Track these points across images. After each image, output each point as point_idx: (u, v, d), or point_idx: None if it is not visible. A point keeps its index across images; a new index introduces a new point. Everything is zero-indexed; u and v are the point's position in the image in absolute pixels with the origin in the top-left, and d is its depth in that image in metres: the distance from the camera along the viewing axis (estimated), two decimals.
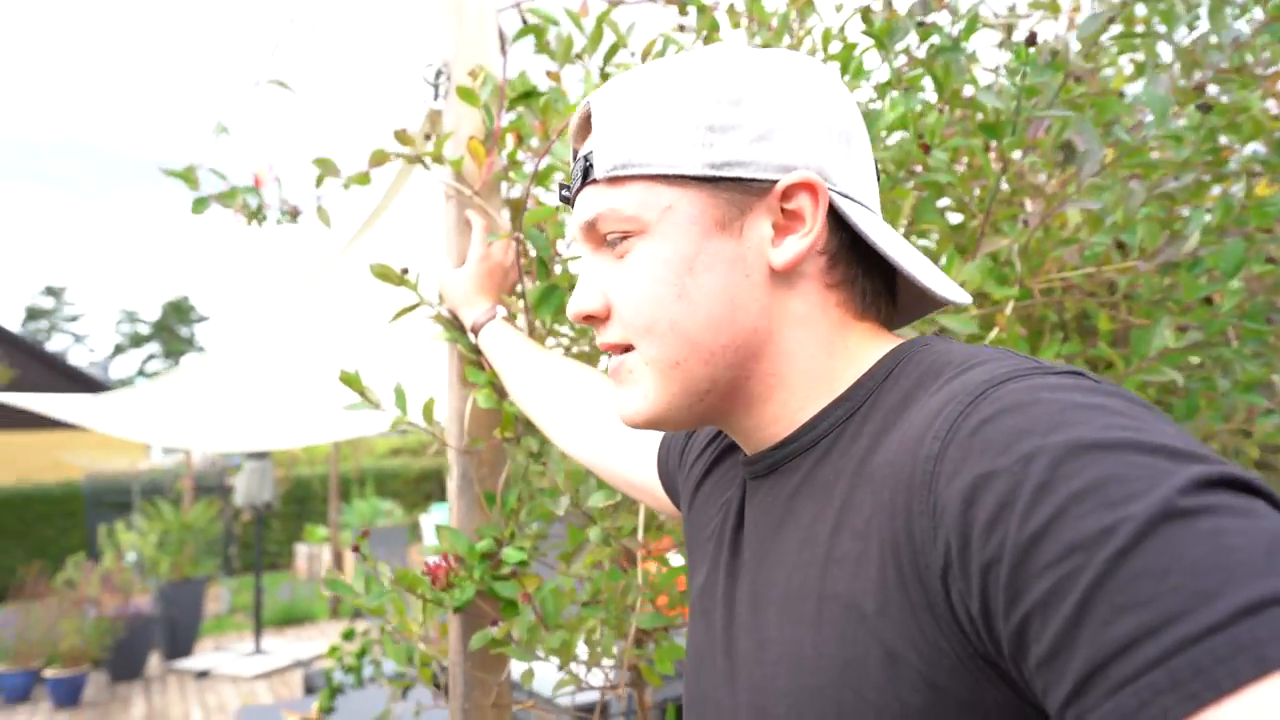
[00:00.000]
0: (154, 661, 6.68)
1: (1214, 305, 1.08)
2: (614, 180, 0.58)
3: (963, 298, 0.59)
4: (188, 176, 1.20)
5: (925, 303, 0.65)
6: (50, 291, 41.17)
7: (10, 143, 70.08)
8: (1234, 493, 0.36)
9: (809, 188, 0.56)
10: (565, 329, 1.35)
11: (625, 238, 0.59)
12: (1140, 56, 1.34)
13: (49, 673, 5.68)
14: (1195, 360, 1.23)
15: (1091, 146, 1.10)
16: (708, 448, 0.76)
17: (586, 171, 0.60)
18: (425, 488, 12.72)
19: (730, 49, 0.60)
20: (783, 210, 0.57)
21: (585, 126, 0.64)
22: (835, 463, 0.55)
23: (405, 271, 1.21)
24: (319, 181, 1.32)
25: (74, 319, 41.37)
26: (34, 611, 5.88)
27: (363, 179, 1.32)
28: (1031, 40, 0.99)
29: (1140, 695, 0.33)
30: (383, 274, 1.20)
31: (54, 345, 40.14)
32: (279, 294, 3.09)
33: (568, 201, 0.64)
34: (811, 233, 0.57)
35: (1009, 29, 1.38)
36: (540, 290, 1.16)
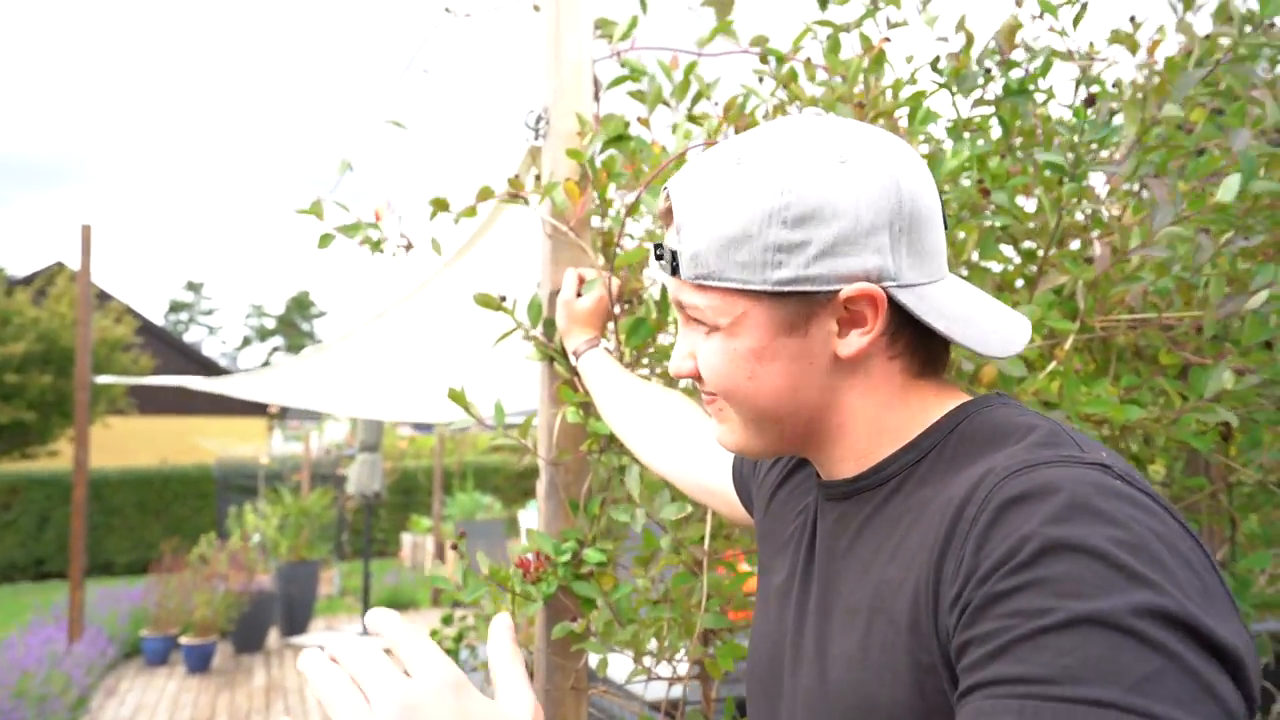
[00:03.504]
0: (273, 636, 7.21)
1: (1273, 350, 1.10)
2: (696, 285, 0.67)
3: (1006, 352, 0.67)
4: (315, 210, 1.38)
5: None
6: (190, 286, 44.44)
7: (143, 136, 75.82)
8: (1153, 623, 0.48)
9: (868, 296, 0.64)
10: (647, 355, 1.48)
11: (707, 323, 0.69)
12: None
13: (184, 640, 6.23)
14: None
15: (1163, 198, 1.12)
16: (782, 457, 0.87)
17: (674, 266, 0.69)
18: (525, 484, 13.10)
19: (796, 141, 0.65)
20: (846, 309, 0.65)
21: (668, 214, 0.71)
22: (903, 502, 0.66)
23: (503, 299, 1.36)
24: (433, 215, 1.49)
25: (209, 312, 44.51)
26: (171, 583, 6.47)
27: (470, 212, 1.49)
28: (1090, 101, 1.04)
29: (1023, 705, 0.48)
30: (484, 301, 1.35)
31: (190, 337, 43.32)
32: (387, 301, 3.42)
33: (660, 259, 0.73)
34: (872, 331, 0.65)
35: (1085, 69, 1.42)
36: (630, 322, 1.30)
